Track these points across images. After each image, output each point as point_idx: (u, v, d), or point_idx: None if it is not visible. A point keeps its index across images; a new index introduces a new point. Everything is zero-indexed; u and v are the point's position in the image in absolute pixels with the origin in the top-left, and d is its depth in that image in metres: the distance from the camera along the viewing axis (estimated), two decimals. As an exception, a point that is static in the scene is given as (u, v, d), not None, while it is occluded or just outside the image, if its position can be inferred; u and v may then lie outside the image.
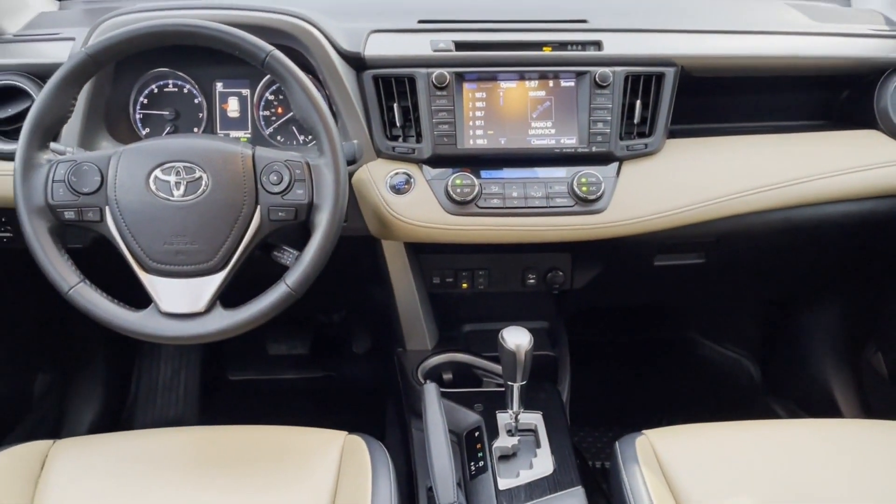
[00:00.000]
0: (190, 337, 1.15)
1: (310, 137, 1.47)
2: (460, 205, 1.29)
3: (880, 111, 1.50)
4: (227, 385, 2.13)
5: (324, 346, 2.23)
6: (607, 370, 2.16)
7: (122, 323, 1.15)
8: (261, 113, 1.51)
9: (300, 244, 1.22)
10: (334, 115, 1.36)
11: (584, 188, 1.35)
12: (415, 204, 1.31)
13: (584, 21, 1.49)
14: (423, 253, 1.52)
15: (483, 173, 1.33)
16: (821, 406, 1.94)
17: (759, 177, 1.43)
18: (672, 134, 1.38)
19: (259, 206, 1.18)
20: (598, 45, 1.36)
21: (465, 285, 1.57)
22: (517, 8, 1.66)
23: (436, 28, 1.38)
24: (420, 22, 1.40)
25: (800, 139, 1.52)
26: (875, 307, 1.84)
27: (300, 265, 1.16)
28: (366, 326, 2.24)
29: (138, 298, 1.19)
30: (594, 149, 1.33)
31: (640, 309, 2.25)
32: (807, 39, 1.51)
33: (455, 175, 1.30)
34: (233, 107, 1.51)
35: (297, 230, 1.23)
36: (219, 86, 1.51)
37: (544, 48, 1.37)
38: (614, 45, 1.37)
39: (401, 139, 1.34)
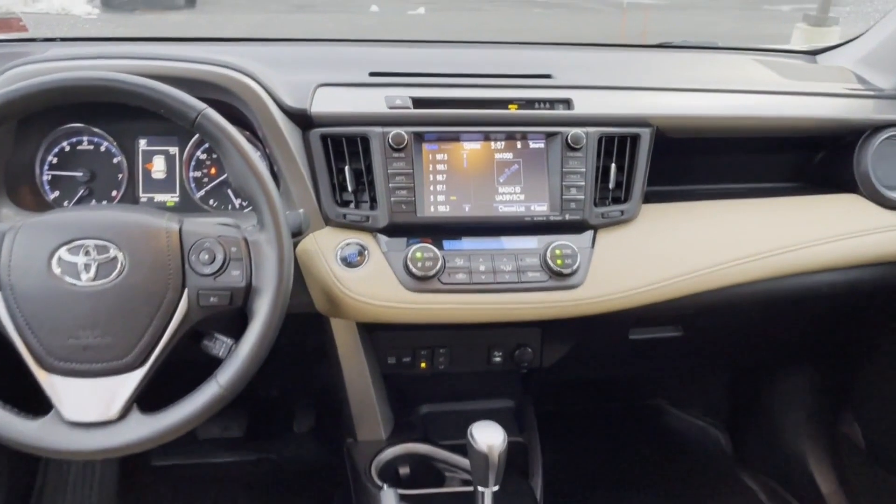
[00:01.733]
0: (99, 451, 0.95)
1: (247, 202, 1.29)
2: (421, 280, 1.15)
3: (861, 175, 1.43)
4: (150, 472, 1.88)
5: (261, 424, 2.01)
6: (576, 446, 2.01)
7: (14, 434, 0.94)
8: (191, 174, 1.34)
9: (236, 329, 1.04)
10: (276, 179, 1.19)
11: (559, 261, 1.21)
12: (369, 279, 1.17)
13: (548, 76, 1.38)
14: (377, 330, 1.35)
15: (446, 244, 1.21)
16: (797, 481, 1.83)
17: (741, 247, 1.34)
18: (645, 197, 1.28)
19: (186, 291, 0.99)
20: (567, 103, 1.27)
21: (423, 365, 1.41)
22: (476, 61, 1.54)
23: (390, 82, 1.24)
24: (372, 75, 1.27)
25: (779, 204, 1.43)
26: (851, 376, 1.75)
27: (235, 360, 0.98)
28: (309, 401, 2.04)
29: (37, 403, 0.98)
30: (567, 217, 1.22)
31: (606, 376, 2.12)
32: (783, 99, 1.44)
33: (415, 247, 1.17)
34: (158, 167, 1.33)
35: (232, 313, 1.04)
36: (142, 143, 1.33)
37: (510, 106, 1.27)
38: (585, 104, 1.28)
39: (353, 205, 1.21)
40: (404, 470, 1.43)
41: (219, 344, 1.05)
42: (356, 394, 1.39)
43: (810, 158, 1.53)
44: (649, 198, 1.35)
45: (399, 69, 1.33)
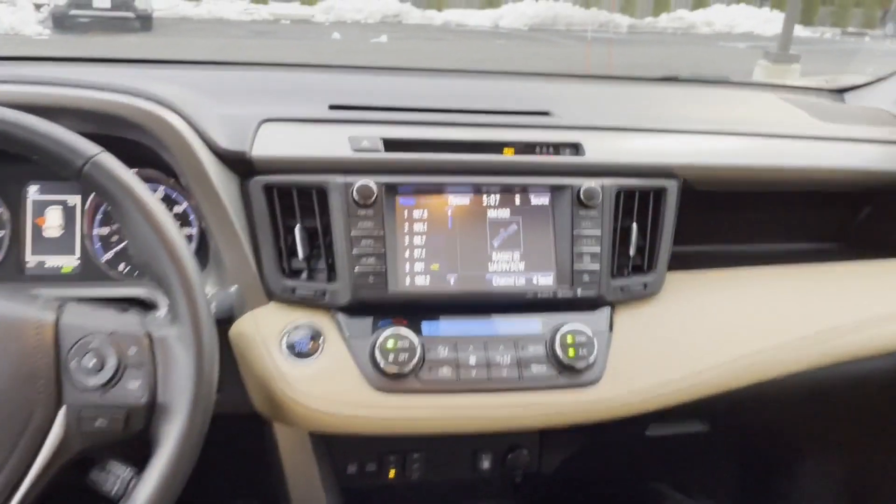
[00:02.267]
0: None
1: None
2: (393, 378, 0.91)
3: None
4: None
5: None
6: None
7: None
8: (95, 231, 1.04)
9: (137, 455, 0.75)
10: (204, 243, 0.91)
11: (571, 351, 0.94)
12: (324, 376, 0.93)
13: (546, 113, 1.12)
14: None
15: (426, 327, 0.96)
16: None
17: (784, 328, 1.10)
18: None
19: (64, 410, 0.70)
20: (576, 147, 1.04)
21: (392, 474, 1.12)
22: (459, 93, 1.28)
23: (355, 118, 0.99)
24: (333, 108, 1.01)
25: (823, 273, 1.19)
26: (885, 463, 1.51)
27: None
28: None
29: None
30: (580, 292, 0.99)
31: None
32: (825, 145, 1.20)
33: (386, 332, 0.93)
34: (52, 222, 1.03)
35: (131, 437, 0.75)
36: (32, 191, 1.03)
37: (505, 150, 1.03)
38: (597, 149, 1.05)
39: (304, 276, 0.96)
40: None
41: (112, 478, 0.75)
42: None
43: (854, 214, 1.29)
44: (670, 263, 1.09)
45: (366, 101, 1.06)
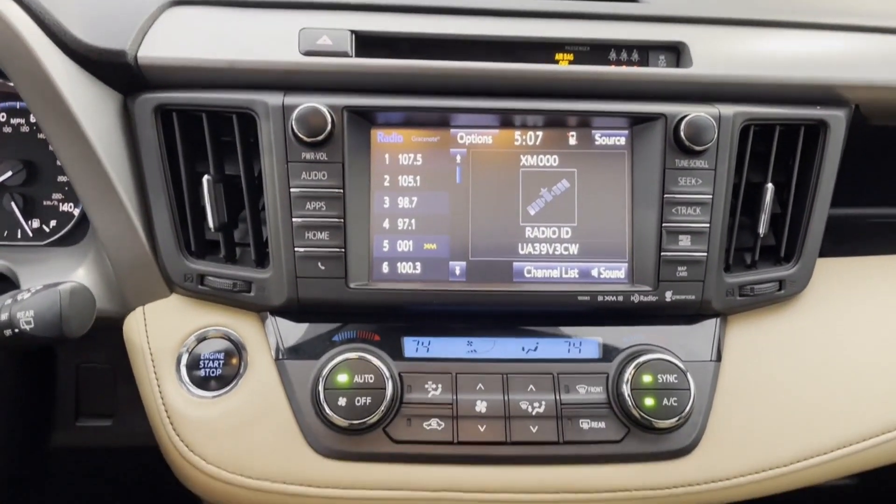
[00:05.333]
0: None
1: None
2: (348, 434, 0.59)
3: None
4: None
5: None
6: None
7: None
8: None
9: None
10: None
11: (651, 398, 0.56)
12: (240, 424, 0.63)
13: None
14: None
15: (409, 346, 0.64)
16: None
17: None
18: None
19: None
20: (676, 51, 0.68)
21: None
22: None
23: (313, 1, 0.66)
24: None
25: None
26: None
27: None
28: None
29: None
30: (671, 295, 0.63)
31: None
32: None
33: (341, 355, 0.60)
34: None
35: None
36: None
37: (558, 56, 0.67)
38: (709, 55, 0.68)
39: (221, 256, 0.65)
40: None
41: None
42: None
43: None
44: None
45: None
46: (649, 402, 0.59)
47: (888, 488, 0.92)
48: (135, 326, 0.63)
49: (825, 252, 0.74)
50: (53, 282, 0.56)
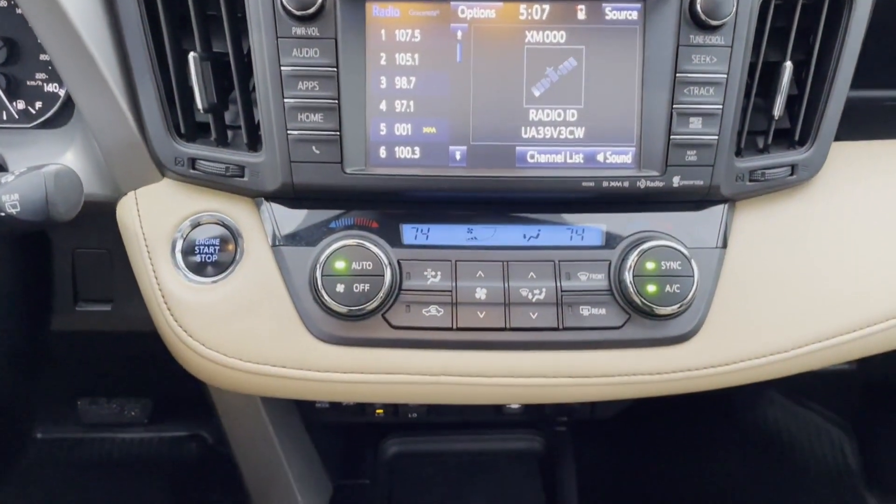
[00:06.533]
0: None
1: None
2: (347, 320, 0.58)
3: None
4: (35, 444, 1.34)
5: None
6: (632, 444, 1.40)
7: None
8: None
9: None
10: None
11: (653, 284, 0.56)
12: (237, 309, 0.61)
13: None
14: None
15: (407, 233, 0.62)
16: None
17: None
18: None
19: None
20: None
21: (380, 411, 0.79)
22: None
23: None
24: None
25: None
26: None
27: None
28: None
29: None
30: (679, 180, 0.60)
31: None
32: None
33: (338, 242, 0.59)
34: None
35: None
36: None
37: None
38: None
39: (212, 138, 0.63)
40: None
41: None
42: (253, 467, 0.78)
43: None
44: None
45: None
46: (651, 288, 0.58)
47: (883, 372, 0.94)
48: (128, 211, 0.62)
49: (838, 136, 0.72)
50: (39, 164, 0.54)
